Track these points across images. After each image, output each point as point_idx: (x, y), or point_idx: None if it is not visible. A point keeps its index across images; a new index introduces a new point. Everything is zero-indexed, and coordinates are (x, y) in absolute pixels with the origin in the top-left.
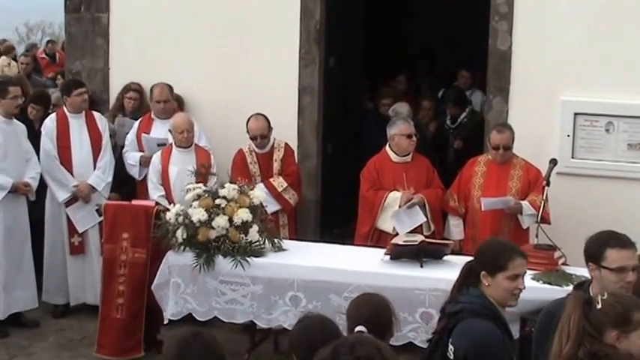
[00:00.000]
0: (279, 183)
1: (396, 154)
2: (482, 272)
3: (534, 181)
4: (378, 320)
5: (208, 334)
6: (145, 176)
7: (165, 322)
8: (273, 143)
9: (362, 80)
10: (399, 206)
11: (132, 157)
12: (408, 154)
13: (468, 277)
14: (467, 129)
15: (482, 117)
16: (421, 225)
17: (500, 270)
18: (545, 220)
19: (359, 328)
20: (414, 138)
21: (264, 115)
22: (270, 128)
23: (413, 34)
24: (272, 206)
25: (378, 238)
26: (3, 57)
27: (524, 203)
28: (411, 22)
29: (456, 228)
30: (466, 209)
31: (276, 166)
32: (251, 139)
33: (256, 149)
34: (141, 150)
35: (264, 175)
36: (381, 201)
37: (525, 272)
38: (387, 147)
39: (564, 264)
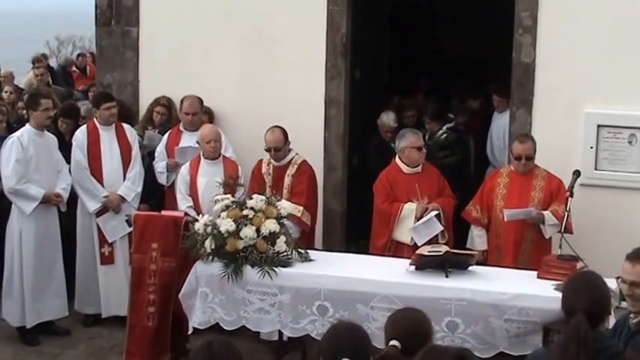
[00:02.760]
0: (296, 209)
1: (407, 165)
2: None
3: (556, 191)
4: (413, 335)
5: (226, 340)
6: (173, 185)
7: (190, 331)
8: (292, 159)
9: (387, 93)
10: (415, 217)
11: (160, 166)
12: (418, 165)
13: None
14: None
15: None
16: (436, 235)
17: None
18: (567, 230)
19: (392, 342)
20: (424, 149)
21: (281, 128)
22: (286, 141)
23: (440, 49)
24: (295, 233)
25: (395, 250)
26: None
27: (547, 213)
28: (436, 37)
29: (479, 238)
30: (489, 219)
31: (286, 181)
32: (266, 150)
33: (273, 161)
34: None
35: (274, 187)
36: (397, 213)
37: None
38: (397, 159)
39: None
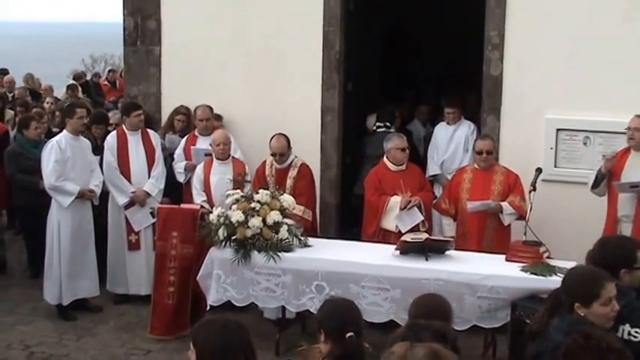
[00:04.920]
0: (298, 209)
1: (393, 164)
2: (576, 304)
3: (513, 184)
4: (432, 317)
5: (236, 322)
6: (189, 181)
7: (208, 308)
8: (292, 162)
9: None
10: (400, 208)
11: (179, 167)
12: (403, 164)
13: (556, 307)
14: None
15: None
16: (418, 223)
17: (594, 299)
18: (523, 218)
19: None
20: (407, 150)
21: (284, 136)
22: (289, 147)
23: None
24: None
25: (383, 236)
26: (72, 82)
27: (504, 204)
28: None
29: (448, 227)
30: (456, 210)
31: (289, 183)
32: (271, 155)
33: (276, 164)
34: (187, 160)
35: (278, 187)
36: (384, 204)
37: (615, 293)
38: (385, 158)
39: (548, 257)
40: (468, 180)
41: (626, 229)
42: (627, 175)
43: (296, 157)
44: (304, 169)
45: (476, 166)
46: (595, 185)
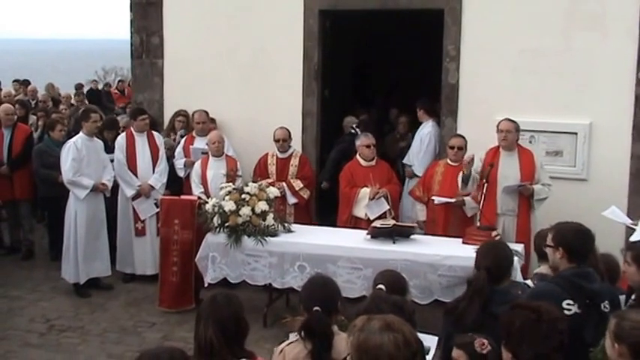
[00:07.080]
0: (297, 184)
1: (364, 159)
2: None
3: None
4: (393, 285)
5: (230, 294)
6: (189, 175)
7: (206, 285)
8: (293, 152)
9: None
10: (369, 199)
11: (179, 163)
12: (373, 159)
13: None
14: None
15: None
16: (385, 212)
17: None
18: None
19: (379, 286)
20: (372, 147)
21: (287, 128)
22: (290, 137)
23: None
24: (291, 199)
25: (355, 223)
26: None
27: (467, 199)
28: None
29: (420, 212)
30: (428, 198)
31: (292, 170)
32: (275, 141)
33: (278, 153)
34: (186, 157)
35: (278, 175)
36: (355, 195)
37: None
38: (357, 155)
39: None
40: (440, 173)
41: (509, 223)
42: (503, 170)
43: (295, 149)
44: (304, 158)
45: (448, 161)
46: (464, 186)
